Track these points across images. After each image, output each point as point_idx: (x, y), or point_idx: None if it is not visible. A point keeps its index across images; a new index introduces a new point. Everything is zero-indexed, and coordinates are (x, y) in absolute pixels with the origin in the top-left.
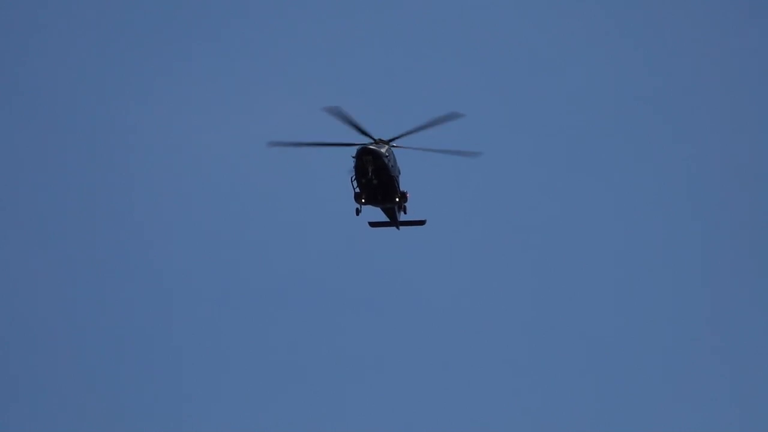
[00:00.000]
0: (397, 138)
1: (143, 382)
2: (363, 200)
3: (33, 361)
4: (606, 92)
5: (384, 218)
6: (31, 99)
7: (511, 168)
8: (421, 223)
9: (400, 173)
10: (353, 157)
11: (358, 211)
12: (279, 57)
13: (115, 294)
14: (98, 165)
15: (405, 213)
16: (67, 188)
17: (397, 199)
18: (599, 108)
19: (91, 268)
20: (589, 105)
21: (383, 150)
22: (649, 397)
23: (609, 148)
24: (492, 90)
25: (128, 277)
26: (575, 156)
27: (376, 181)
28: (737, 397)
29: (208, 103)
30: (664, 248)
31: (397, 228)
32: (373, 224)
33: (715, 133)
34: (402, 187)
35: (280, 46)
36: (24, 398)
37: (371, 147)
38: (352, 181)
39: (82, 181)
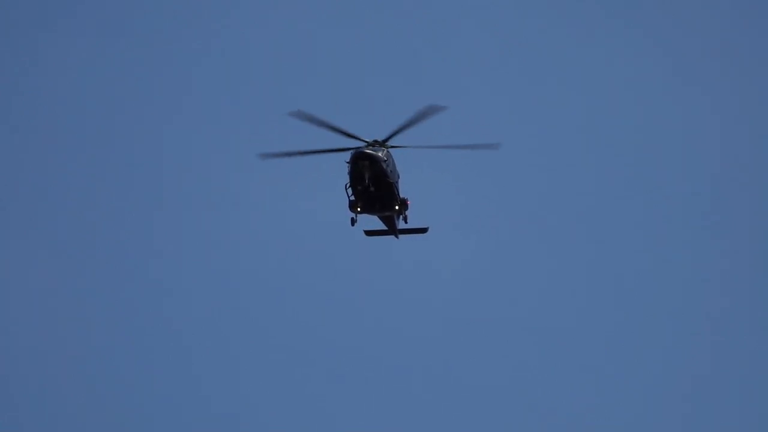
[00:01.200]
0: (390, 137)
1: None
2: (359, 209)
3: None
4: (610, 91)
5: (381, 226)
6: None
7: (516, 169)
8: (423, 231)
9: (399, 178)
10: (347, 163)
11: (353, 221)
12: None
13: (117, 297)
14: (98, 169)
15: (406, 222)
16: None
17: (397, 207)
18: (603, 108)
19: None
20: (592, 104)
21: (381, 154)
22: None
23: (615, 149)
24: (492, 88)
25: (126, 282)
26: (582, 156)
27: (374, 189)
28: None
29: (202, 108)
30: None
31: (396, 237)
32: (369, 233)
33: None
34: (402, 193)
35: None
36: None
37: (368, 151)
38: (346, 189)
39: (81, 183)
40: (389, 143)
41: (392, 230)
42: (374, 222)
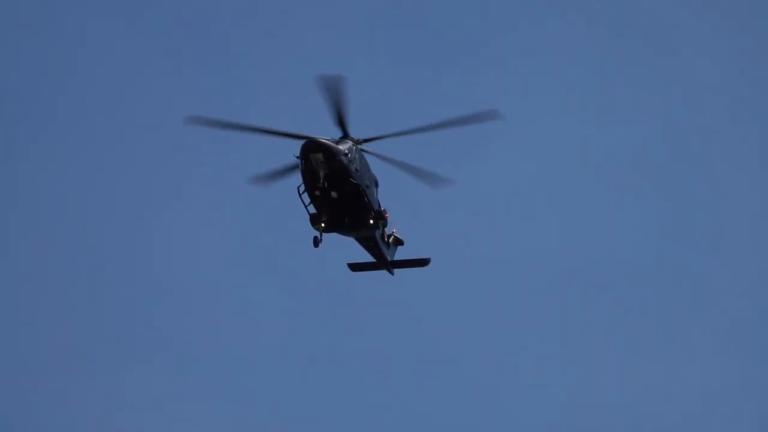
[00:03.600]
0: (377, 138)
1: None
2: (322, 224)
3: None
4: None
5: (368, 258)
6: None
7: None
8: (423, 263)
9: (377, 185)
10: (297, 157)
11: (316, 241)
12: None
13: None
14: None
15: (385, 240)
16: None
17: (371, 221)
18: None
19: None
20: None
21: (343, 147)
22: None
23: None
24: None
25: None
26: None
27: (335, 193)
28: None
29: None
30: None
31: (390, 272)
32: (354, 267)
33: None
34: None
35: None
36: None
37: (321, 140)
38: (300, 195)
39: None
40: (369, 145)
41: (382, 262)
42: (357, 251)
